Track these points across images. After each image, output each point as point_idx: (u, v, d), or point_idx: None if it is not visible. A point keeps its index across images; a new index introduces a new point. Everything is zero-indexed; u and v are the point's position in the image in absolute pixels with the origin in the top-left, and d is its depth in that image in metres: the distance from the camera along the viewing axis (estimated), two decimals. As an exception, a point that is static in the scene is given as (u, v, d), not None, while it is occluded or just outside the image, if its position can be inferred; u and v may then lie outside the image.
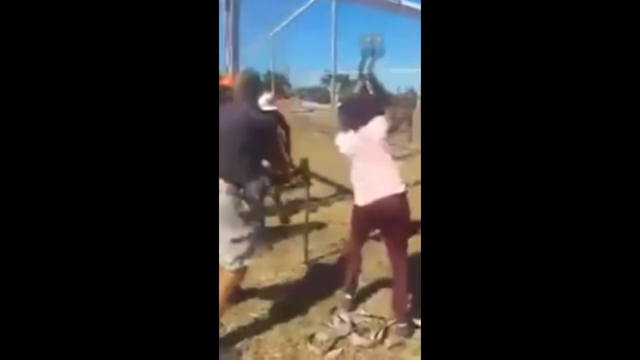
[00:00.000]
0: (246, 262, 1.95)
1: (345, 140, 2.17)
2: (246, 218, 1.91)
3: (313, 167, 3.32)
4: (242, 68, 2.32)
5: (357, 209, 2.18)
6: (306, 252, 3.00)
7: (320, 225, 3.73)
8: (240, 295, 2.30)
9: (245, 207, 1.90)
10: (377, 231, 2.37)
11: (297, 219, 3.84)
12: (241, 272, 1.96)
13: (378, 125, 2.09)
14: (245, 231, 1.91)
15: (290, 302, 2.39)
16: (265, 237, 2.83)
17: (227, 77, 3.25)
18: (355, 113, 2.17)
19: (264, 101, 3.47)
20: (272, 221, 3.79)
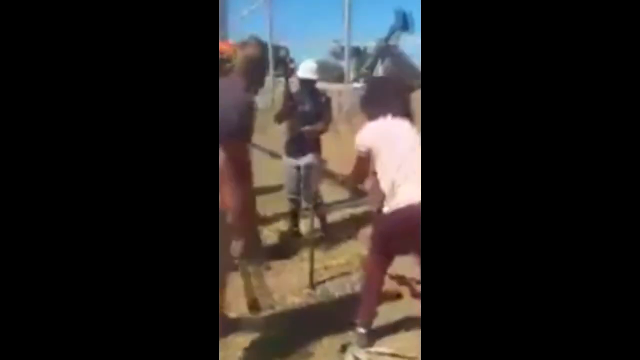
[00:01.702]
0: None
1: (366, 135, 2.21)
2: None
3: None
4: (246, 37, 2.23)
5: (377, 219, 2.23)
6: (312, 273, 2.98)
7: (330, 239, 3.73)
8: (228, 326, 2.29)
9: None
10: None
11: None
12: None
13: (408, 131, 2.13)
14: None
15: (292, 336, 2.39)
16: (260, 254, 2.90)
17: (226, 42, 3.18)
18: (379, 100, 2.24)
19: (308, 69, 3.58)
20: (270, 234, 3.85)
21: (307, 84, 3.60)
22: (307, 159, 3.55)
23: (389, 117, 2.22)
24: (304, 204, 3.68)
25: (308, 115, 3.50)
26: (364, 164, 2.23)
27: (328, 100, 3.72)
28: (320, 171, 3.41)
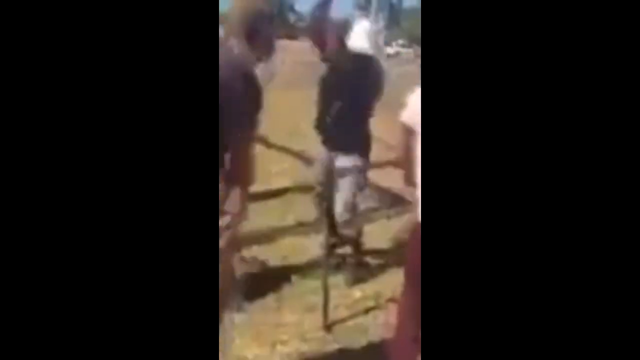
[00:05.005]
0: None
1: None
2: None
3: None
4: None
5: (416, 230, 1.83)
6: (326, 309, 2.54)
7: (356, 263, 3.20)
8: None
9: None
10: None
11: (311, 246, 3.25)
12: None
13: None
14: None
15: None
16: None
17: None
18: None
19: (361, 34, 3.06)
20: (273, 252, 3.27)
21: (362, 61, 2.86)
22: (348, 160, 2.74)
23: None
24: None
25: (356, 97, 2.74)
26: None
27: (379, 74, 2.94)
28: (363, 180, 2.78)
